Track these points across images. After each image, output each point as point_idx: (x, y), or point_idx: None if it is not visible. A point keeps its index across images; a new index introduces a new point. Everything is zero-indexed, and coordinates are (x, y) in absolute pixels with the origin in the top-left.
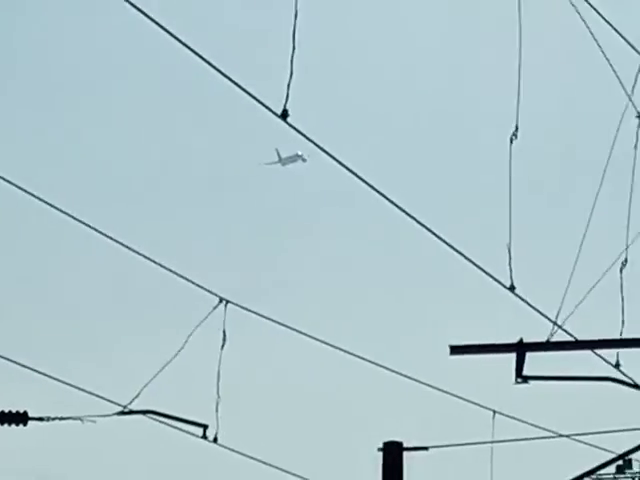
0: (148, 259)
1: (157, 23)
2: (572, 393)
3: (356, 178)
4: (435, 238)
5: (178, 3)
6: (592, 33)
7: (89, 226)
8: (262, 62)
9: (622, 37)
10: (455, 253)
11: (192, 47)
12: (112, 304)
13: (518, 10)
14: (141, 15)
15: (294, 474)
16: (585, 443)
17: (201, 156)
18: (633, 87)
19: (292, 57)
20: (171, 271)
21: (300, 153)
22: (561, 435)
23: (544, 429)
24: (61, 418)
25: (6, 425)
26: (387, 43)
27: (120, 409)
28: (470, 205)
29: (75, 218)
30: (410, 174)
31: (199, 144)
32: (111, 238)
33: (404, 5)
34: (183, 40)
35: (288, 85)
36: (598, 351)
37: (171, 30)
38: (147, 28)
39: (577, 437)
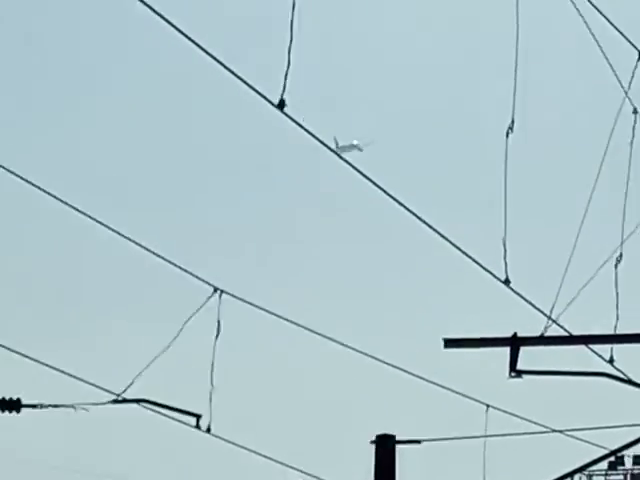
0: (143, 247)
1: (156, 12)
2: (566, 388)
3: (353, 170)
4: (431, 231)
5: None
6: (589, 27)
7: (84, 214)
8: (260, 53)
9: (619, 31)
10: (451, 246)
11: (191, 36)
12: (107, 292)
13: (516, 5)
14: (138, 3)
15: (286, 465)
16: (578, 439)
17: (200, 145)
18: (630, 82)
19: (290, 47)
20: (166, 260)
21: (356, 142)
22: (554, 430)
23: (537, 424)
24: (54, 406)
25: None
26: (385, 37)
27: (114, 397)
28: (467, 198)
29: (70, 205)
30: (407, 167)
31: (199, 132)
32: (106, 226)
33: (402, 1)
34: (183, 30)
35: (285, 75)
36: (592, 346)
37: (171, 20)
38: (144, 15)
39: (570, 432)
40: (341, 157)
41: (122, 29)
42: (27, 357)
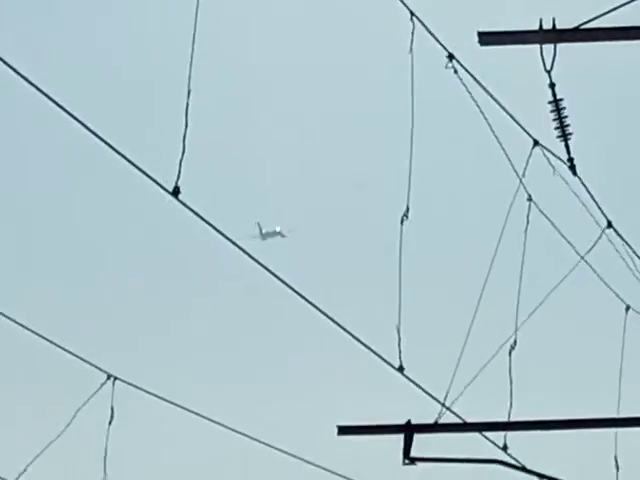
0: (35, 333)
1: (52, 99)
2: (460, 475)
3: (246, 256)
4: (327, 319)
5: (72, 83)
6: (485, 116)
7: None
8: (154, 139)
9: (515, 120)
10: (345, 334)
11: (82, 120)
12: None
13: (411, 94)
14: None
15: None
16: None
17: (95, 230)
18: (525, 170)
19: (184, 134)
20: (60, 347)
21: (279, 229)
22: None
23: None
24: None
25: None
26: (281, 123)
27: None
28: (360, 285)
29: None
30: (300, 254)
31: (93, 218)
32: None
33: (297, 96)
34: (75, 114)
35: (180, 162)
36: (486, 433)
37: (62, 104)
38: (39, 99)
39: None
40: (235, 244)
41: (19, 114)
42: None
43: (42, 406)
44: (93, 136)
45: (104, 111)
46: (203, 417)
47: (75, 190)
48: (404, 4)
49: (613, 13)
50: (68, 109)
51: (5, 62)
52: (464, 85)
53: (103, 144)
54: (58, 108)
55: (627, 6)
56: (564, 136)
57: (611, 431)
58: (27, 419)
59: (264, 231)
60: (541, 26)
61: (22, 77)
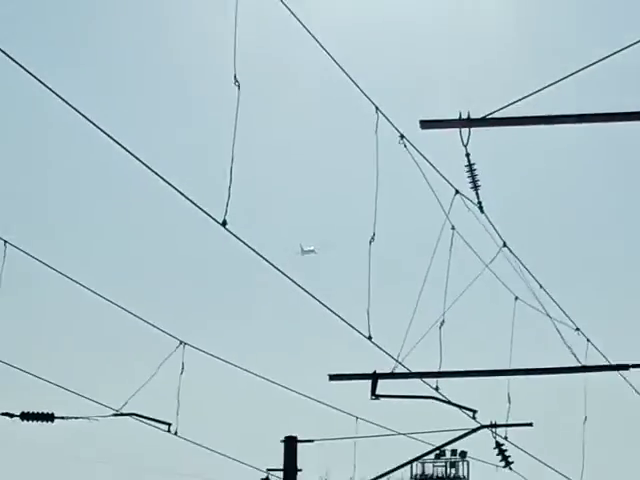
0: (127, 311)
1: (115, 140)
2: (407, 406)
3: (274, 269)
4: (324, 308)
5: (128, 124)
6: (424, 174)
7: (80, 284)
8: (206, 176)
9: (443, 177)
10: (332, 315)
11: (146, 163)
12: (103, 342)
13: (376, 160)
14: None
15: (227, 456)
16: (415, 439)
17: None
18: (450, 209)
19: (229, 186)
20: (147, 322)
21: (312, 248)
22: (400, 433)
23: (389, 429)
24: (76, 417)
25: (38, 422)
26: (303, 176)
27: (114, 412)
28: (346, 285)
29: (62, 274)
30: (323, 266)
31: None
32: (110, 300)
33: (304, 133)
34: (139, 157)
35: (227, 203)
36: (425, 379)
37: (126, 146)
38: (99, 139)
39: (410, 435)
40: (267, 260)
41: (81, 153)
42: (58, 386)
43: (133, 362)
44: (171, 188)
45: (185, 167)
46: (245, 370)
47: (156, 226)
48: (372, 102)
49: (514, 105)
50: (156, 170)
51: (103, 130)
52: (410, 154)
53: (180, 195)
54: (143, 166)
55: (523, 100)
56: (475, 187)
57: (505, 378)
58: (124, 371)
59: (304, 249)
60: (460, 116)
61: (114, 141)
